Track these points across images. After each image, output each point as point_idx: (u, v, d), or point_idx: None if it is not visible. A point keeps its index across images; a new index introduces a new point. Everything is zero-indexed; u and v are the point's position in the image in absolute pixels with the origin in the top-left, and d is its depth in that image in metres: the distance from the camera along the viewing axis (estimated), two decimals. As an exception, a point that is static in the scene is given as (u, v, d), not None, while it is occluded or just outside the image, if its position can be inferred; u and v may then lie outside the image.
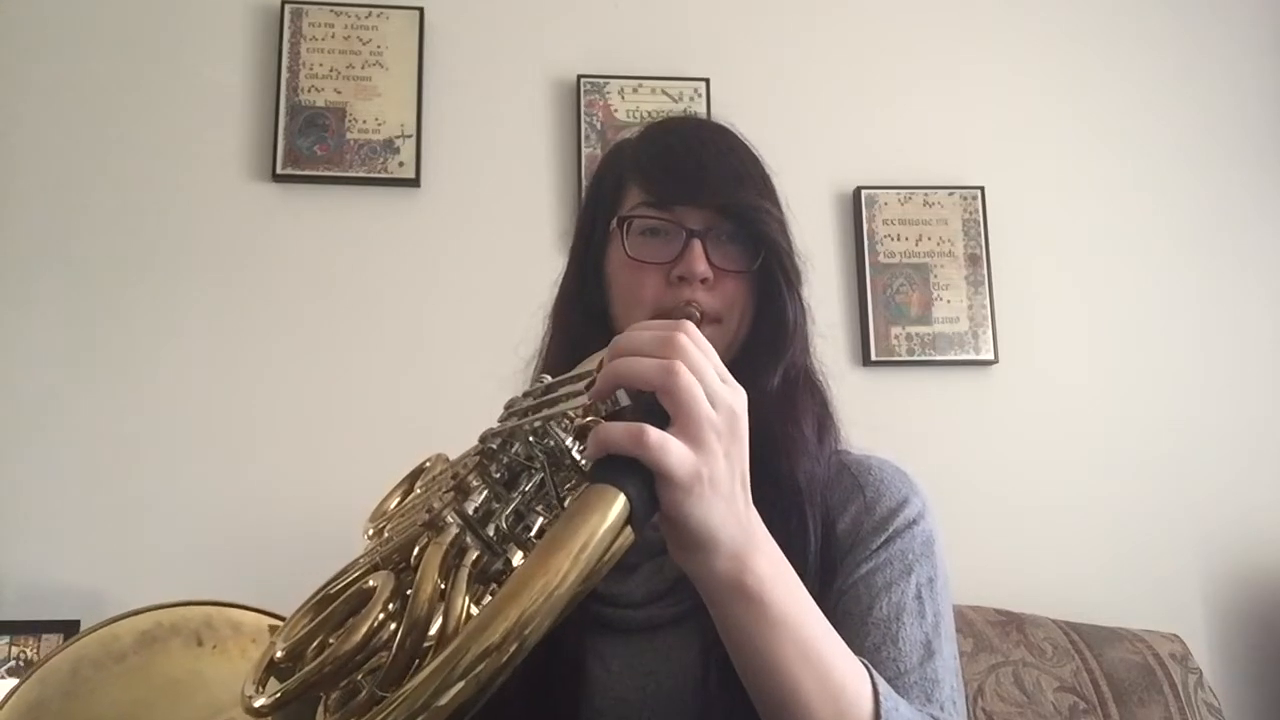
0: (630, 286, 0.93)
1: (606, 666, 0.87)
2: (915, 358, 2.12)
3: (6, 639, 1.69)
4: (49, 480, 1.85)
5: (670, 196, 0.92)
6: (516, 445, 0.60)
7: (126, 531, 1.84)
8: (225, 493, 1.88)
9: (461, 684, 0.44)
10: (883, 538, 0.88)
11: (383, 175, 2.03)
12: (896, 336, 2.12)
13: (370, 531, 0.70)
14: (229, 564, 1.80)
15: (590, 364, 0.66)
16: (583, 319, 0.98)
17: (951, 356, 2.13)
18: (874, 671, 0.68)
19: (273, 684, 0.53)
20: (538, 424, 0.59)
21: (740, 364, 0.92)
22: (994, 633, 1.79)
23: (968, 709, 1.65)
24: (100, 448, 1.87)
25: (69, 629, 1.70)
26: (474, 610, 0.52)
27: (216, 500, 1.87)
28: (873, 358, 2.10)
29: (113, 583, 1.79)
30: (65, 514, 1.84)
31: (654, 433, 0.55)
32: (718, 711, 0.78)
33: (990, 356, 2.13)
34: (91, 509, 1.85)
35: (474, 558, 0.54)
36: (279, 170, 2.00)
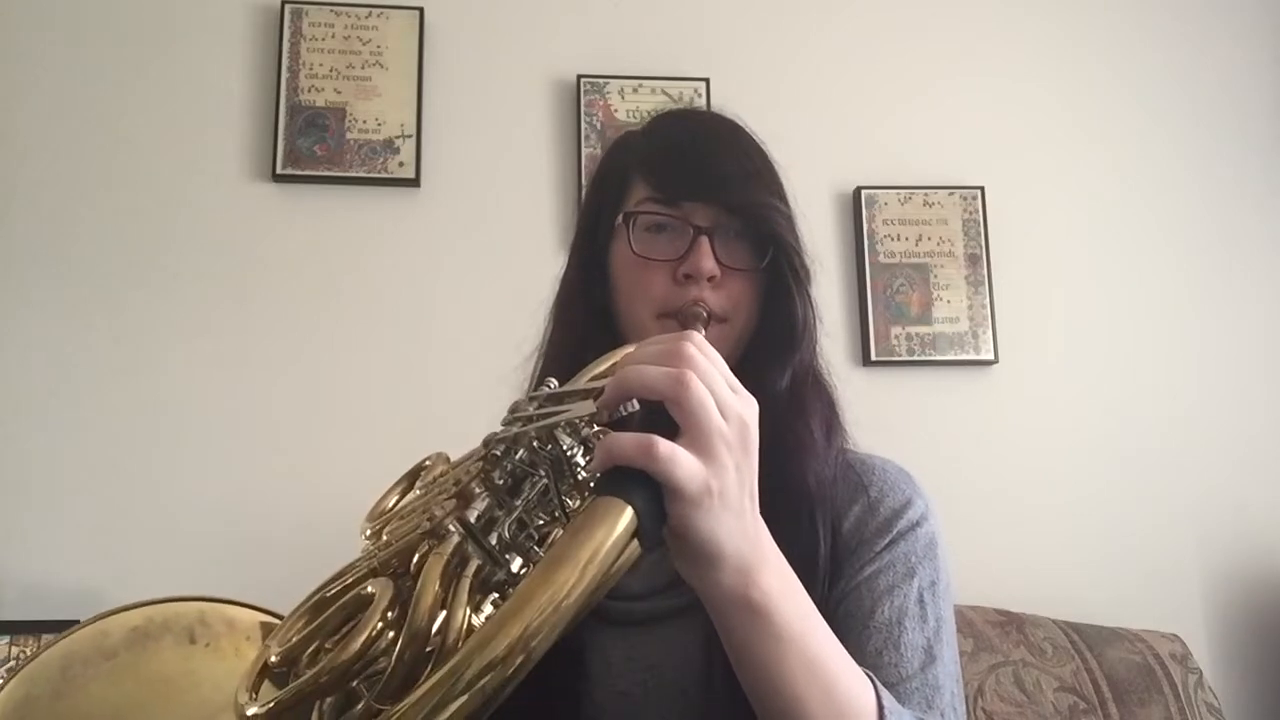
0: (636, 284, 0.92)
1: (607, 660, 0.86)
2: (915, 358, 2.11)
3: (6, 639, 1.69)
4: (49, 480, 1.85)
5: (677, 192, 0.91)
6: (521, 451, 0.59)
7: (127, 532, 1.84)
8: (226, 492, 1.88)
9: (464, 698, 0.43)
10: (886, 540, 0.87)
11: (383, 175, 2.02)
12: (896, 336, 2.12)
13: (368, 531, 0.70)
14: (231, 564, 1.80)
15: (597, 368, 0.65)
16: (586, 316, 0.96)
17: (951, 356, 2.12)
18: (879, 685, 0.68)
19: (267, 690, 0.52)
20: (543, 431, 0.58)
21: (747, 364, 0.91)
22: (994, 633, 1.78)
23: (968, 710, 1.65)
24: (100, 447, 1.87)
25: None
26: (475, 621, 0.51)
27: (217, 500, 1.87)
28: (873, 358, 2.10)
29: (113, 583, 1.79)
30: (65, 514, 1.84)
31: (663, 444, 0.54)
32: (720, 705, 0.77)
33: (990, 356, 2.13)
34: (92, 509, 1.84)
35: (475, 567, 0.53)
36: (279, 170, 1.99)
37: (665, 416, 0.57)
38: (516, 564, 0.55)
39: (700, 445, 0.56)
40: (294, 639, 0.53)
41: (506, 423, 0.61)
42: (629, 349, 0.69)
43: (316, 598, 0.57)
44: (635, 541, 0.52)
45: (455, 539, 0.54)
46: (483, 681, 0.44)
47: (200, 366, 1.93)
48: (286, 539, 1.79)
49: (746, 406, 0.61)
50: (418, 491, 0.73)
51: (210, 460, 1.89)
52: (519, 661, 0.45)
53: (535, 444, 0.58)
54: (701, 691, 0.81)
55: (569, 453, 0.57)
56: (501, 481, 0.58)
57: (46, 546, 1.82)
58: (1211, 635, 2.08)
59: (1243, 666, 2.07)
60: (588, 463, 0.57)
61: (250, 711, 0.51)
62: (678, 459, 0.54)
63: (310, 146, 2.01)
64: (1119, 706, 1.71)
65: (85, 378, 1.90)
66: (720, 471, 0.57)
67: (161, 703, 0.66)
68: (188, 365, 1.92)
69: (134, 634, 0.69)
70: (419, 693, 0.44)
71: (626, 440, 0.54)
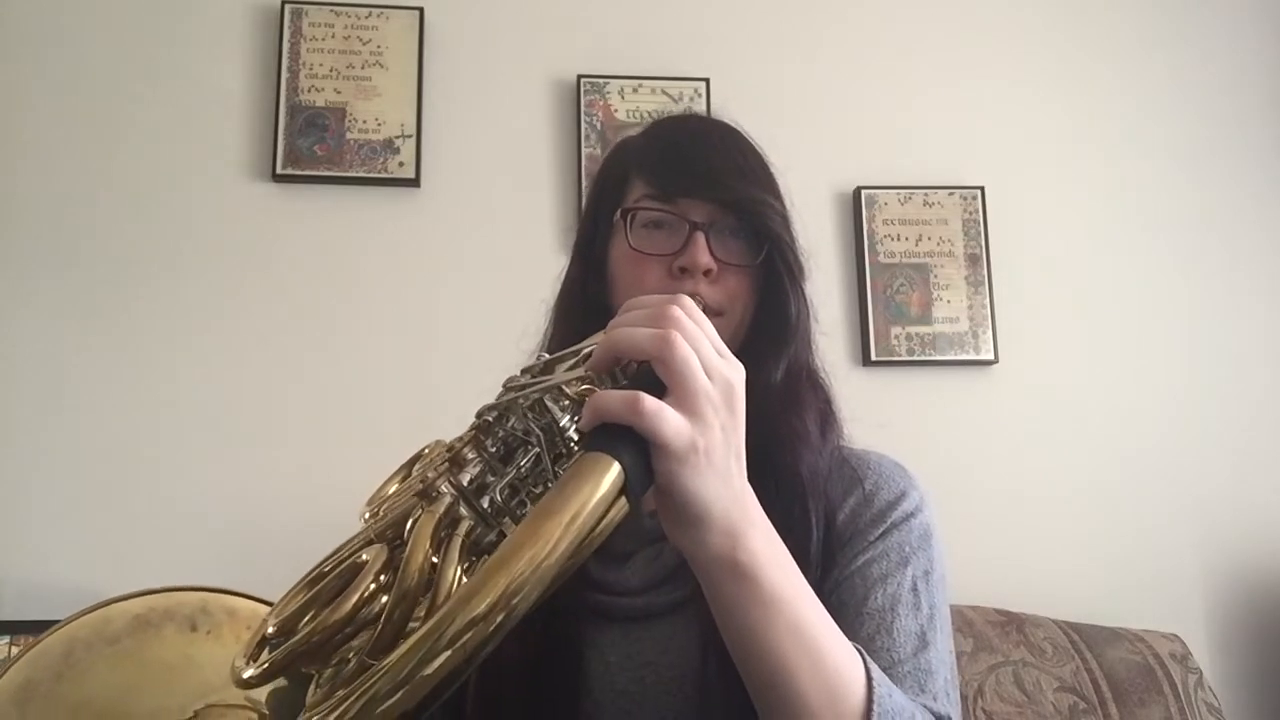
0: (632, 278, 0.93)
1: (605, 659, 0.87)
2: (915, 358, 2.11)
3: (6, 639, 1.69)
4: (49, 480, 1.85)
5: (674, 189, 0.92)
6: (512, 420, 0.59)
7: (127, 531, 1.84)
8: (226, 492, 1.88)
9: (448, 654, 0.43)
10: (880, 529, 0.88)
11: (383, 175, 2.03)
12: (896, 336, 2.12)
13: (367, 515, 0.70)
14: (231, 563, 1.78)
15: (590, 342, 0.66)
16: (585, 312, 0.97)
17: (951, 356, 2.12)
18: (867, 656, 0.68)
19: (263, 657, 0.52)
20: (533, 398, 0.58)
21: (742, 357, 0.91)
22: (994, 633, 1.78)
23: (968, 709, 1.65)
24: (100, 447, 1.87)
25: (69, 629, 1.70)
26: (466, 581, 0.50)
27: (217, 500, 1.87)
28: (873, 358, 2.10)
29: (113, 583, 1.76)
30: (65, 514, 1.84)
31: (650, 400, 0.54)
32: (716, 701, 0.78)
33: (990, 356, 2.13)
34: (92, 508, 1.85)
35: (467, 528, 0.53)
36: (279, 170, 2.00)
37: (653, 379, 0.57)
38: (510, 529, 0.55)
39: (686, 404, 0.57)
40: (290, 610, 0.53)
41: (500, 395, 0.61)
42: None
43: (314, 572, 0.58)
44: (622, 500, 0.52)
45: (447, 500, 0.54)
46: (465, 638, 0.44)
47: (200, 366, 1.93)
48: (287, 539, 1.77)
49: (733, 370, 0.61)
50: (416, 475, 0.74)
51: (210, 460, 1.89)
52: (500, 619, 0.45)
53: (526, 412, 0.58)
54: (697, 686, 0.82)
55: (559, 418, 0.57)
56: (494, 449, 0.58)
57: (46, 546, 1.82)
58: (1211, 635, 2.08)
59: (1243, 666, 2.07)
60: (579, 426, 0.57)
61: (246, 674, 0.51)
62: (664, 415, 0.55)
63: (310, 146, 2.02)
64: (1119, 706, 1.71)
65: (85, 377, 1.90)
66: (706, 430, 0.57)
67: (163, 685, 0.66)
68: (187, 365, 1.92)
69: (136, 621, 0.69)
70: (403, 648, 0.44)
71: (613, 396, 0.55)
